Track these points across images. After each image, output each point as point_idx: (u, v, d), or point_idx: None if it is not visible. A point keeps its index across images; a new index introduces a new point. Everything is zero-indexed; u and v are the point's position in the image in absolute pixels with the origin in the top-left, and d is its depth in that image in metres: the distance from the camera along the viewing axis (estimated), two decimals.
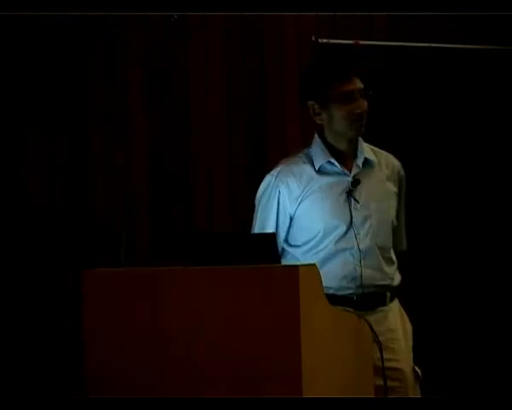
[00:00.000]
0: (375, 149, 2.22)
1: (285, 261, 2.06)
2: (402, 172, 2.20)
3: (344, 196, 2.02)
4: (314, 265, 1.76)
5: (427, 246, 3.55)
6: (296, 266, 1.77)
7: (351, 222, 2.01)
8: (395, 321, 2.15)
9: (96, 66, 3.37)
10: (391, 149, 2.28)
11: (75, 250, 3.27)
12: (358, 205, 2.03)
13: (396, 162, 2.20)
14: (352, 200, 2.02)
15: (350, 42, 3.57)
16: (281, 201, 2.06)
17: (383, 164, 2.14)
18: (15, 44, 3.24)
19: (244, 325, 1.86)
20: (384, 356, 1.95)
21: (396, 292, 2.17)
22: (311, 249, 2.05)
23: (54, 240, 3.27)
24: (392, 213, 2.10)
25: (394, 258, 2.16)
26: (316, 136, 2.19)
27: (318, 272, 1.73)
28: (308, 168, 2.06)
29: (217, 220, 3.49)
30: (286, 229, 2.07)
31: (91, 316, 2.02)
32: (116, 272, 2.03)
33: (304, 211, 2.05)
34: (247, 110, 3.57)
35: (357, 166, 2.11)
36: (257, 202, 2.12)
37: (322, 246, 2.05)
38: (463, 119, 3.66)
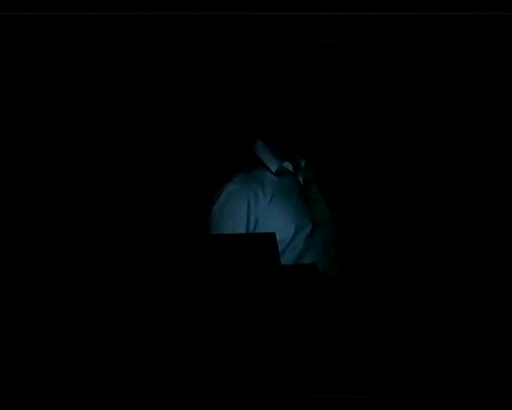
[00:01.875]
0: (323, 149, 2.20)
1: None
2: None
3: (301, 196, 2.02)
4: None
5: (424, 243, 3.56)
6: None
7: (312, 220, 2.02)
8: None
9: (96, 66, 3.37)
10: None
11: (75, 249, 3.27)
12: (314, 202, 2.05)
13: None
14: (309, 198, 2.03)
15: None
16: (250, 206, 2.05)
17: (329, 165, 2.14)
18: (15, 44, 3.24)
19: None
20: None
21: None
22: (284, 250, 2.05)
23: (54, 240, 3.27)
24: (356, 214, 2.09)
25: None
26: (258, 141, 2.14)
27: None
28: (264, 172, 2.06)
29: None
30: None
31: None
32: None
33: (270, 214, 2.06)
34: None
35: (301, 166, 2.11)
36: (222, 210, 2.09)
37: (291, 247, 2.06)
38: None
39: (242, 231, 2.07)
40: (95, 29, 3.33)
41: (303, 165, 2.10)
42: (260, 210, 2.05)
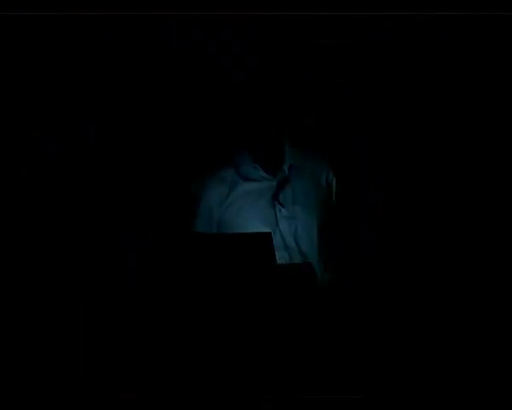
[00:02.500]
0: (308, 152, 2.18)
1: None
2: (331, 177, 2.13)
3: (269, 201, 1.97)
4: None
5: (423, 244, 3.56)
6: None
7: (276, 226, 1.97)
8: None
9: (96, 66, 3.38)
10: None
11: (75, 250, 3.27)
12: (283, 210, 2.01)
13: (326, 167, 2.14)
14: (277, 204, 1.98)
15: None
16: (208, 206, 2.02)
17: (312, 168, 2.09)
18: (15, 44, 3.24)
19: None
20: None
21: None
22: None
23: (53, 240, 3.28)
24: (320, 217, 2.01)
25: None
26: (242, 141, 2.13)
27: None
28: (233, 173, 2.04)
29: None
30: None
31: None
32: None
33: (229, 216, 2.04)
34: None
35: (283, 170, 2.07)
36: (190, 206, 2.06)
37: None
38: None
39: (201, 221, 2.00)
40: (95, 29, 3.33)
41: (284, 169, 2.06)
42: (218, 208, 2.03)
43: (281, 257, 1.96)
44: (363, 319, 3.05)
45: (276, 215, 2.00)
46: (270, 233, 1.77)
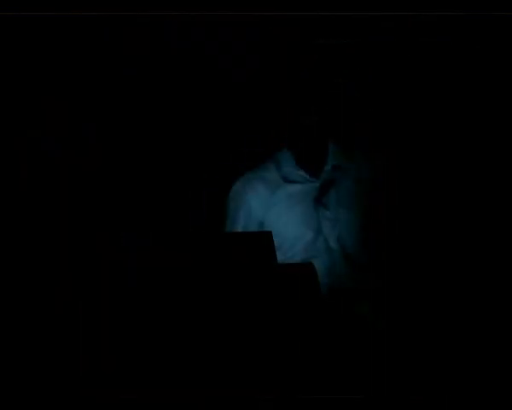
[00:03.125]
0: (355, 151, 2.15)
1: None
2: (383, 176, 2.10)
3: (312, 203, 1.95)
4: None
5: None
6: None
7: (319, 230, 1.93)
8: None
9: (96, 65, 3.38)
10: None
11: (75, 250, 3.27)
12: (327, 212, 1.97)
13: (376, 166, 2.11)
14: (321, 207, 1.94)
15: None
16: (251, 208, 2.00)
17: (358, 168, 2.06)
18: (15, 44, 3.24)
19: None
20: None
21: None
22: (280, 256, 1.93)
23: (54, 240, 3.28)
24: (364, 219, 1.98)
25: (369, 265, 2.05)
26: (284, 148, 2.14)
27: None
28: (276, 175, 2.01)
29: None
30: None
31: None
32: None
33: (272, 219, 1.99)
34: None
35: (327, 171, 2.04)
36: (227, 205, 2.07)
37: (289, 254, 1.97)
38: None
39: (240, 224, 2.02)
40: (95, 29, 3.33)
41: (324, 172, 2.02)
42: (259, 210, 1.99)
43: (323, 261, 1.92)
44: (363, 319, 3.05)
45: (319, 218, 1.95)
46: (270, 232, 1.73)
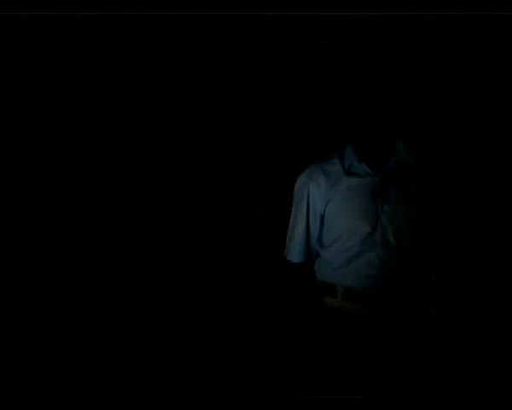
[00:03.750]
0: (419, 147, 2.17)
1: (317, 264, 2.03)
2: (441, 173, 2.16)
3: (371, 197, 1.97)
4: None
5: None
6: None
7: (377, 223, 1.97)
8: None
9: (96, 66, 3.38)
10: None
11: (75, 250, 3.27)
12: (386, 206, 1.99)
13: (435, 162, 2.16)
14: (380, 201, 1.98)
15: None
16: (311, 200, 2.04)
17: (420, 165, 2.09)
18: (15, 44, 3.24)
19: None
20: None
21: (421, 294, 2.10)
22: (338, 249, 2.01)
23: (54, 240, 3.28)
24: (421, 215, 2.03)
25: (423, 261, 2.09)
26: (348, 142, 2.16)
27: None
28: (339, 168, 2.04)
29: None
30: (317, 228, 2.03)
31: None
32: None
33: (332, 211, 2.01)
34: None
35: (388, 166, 2.05)
36: (293, 200, 2.09)
37: (347, 246, 2.00)
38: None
39: (303, 221, 2.05)
40: (95, 29, 3.33)
41: (386, 168, 2.05)
42: (320, 202, 2.04)
43: (380, 253, 1.97)
44: (363, 320, 3.05)
45: (377, 212, 1.97)
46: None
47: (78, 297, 2.39)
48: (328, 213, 2.01)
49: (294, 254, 1.98)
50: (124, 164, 3.43)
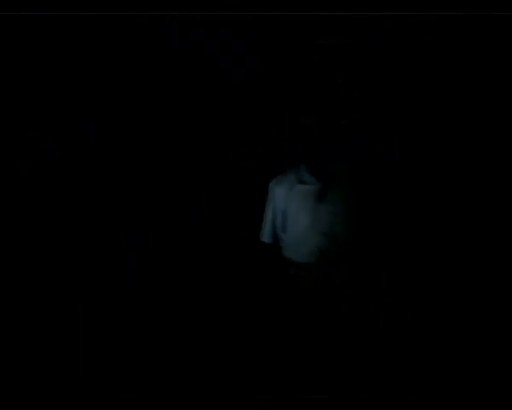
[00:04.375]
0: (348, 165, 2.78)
1: (282, 244, 2.66)
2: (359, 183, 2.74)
3: (314, 199, 2.64)
4: None
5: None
6: None
7: (317, 218, 2.61)
8: None
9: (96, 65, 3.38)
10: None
11: (75, 250, 3.27)
12: (324, 206, 2.64)
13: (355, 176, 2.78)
14: (320, 202, 2.63)
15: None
16: (276, 199, 2.72)
17: (350, 177, 2.73)
18: (15, 44, 3.24)
19: None
20: None
21: None
22: (291, 235, 2.65)
23: (54, 240, 3.28)
24: (351, 212, 2.65)
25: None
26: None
27: None
28: (294, 178, 2.70)
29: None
30: (280, 219, 2.70)
31: None
32: None
33: (288, 208, 2.67)
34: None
35: (328, 178, 2.69)
36: (267, 198, 2.71)
37: (296, 233, 2.65)
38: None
39: (271, 216, 2.73)
40: (95, 29, 3.34)
41: (327, 175, 2.67)
42: (281, 201, 2.70)
43: (322, 242, 2.60)
44: (363, 319, 3.05)
45: (318, 210, 2.60)
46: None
47: (78, 297, 2.39)
48: (286, 209, 2.65)
49: (265, 236, 2.65)
50: (124, 164, 3.43)
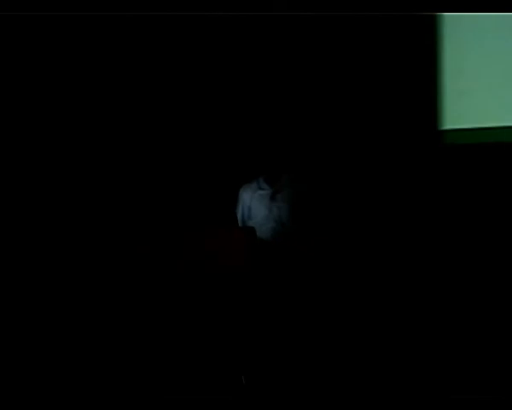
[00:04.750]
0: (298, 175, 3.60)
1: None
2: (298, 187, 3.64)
3: (269, 199, 3.53)
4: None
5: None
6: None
7: (271, 211, 3.53)
8: None
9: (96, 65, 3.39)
10: None
11: (75, 249, 3.28)
12: (275, 204, 3.52)
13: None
14: (273, 201, 3.53)
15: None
16: (244, 200, 3.58)
17: (292, 184, 3.60)
18: (15, 44, 3.25)
19: None
20: None
21: None
22: (255, 221, 3.52)
23: (54, 240, 3.29)
24: (293, 207, 3.57)
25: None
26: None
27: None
28: (255, 185, 3.56)
29: None
30: (247, 213, 3.56)
31: None
32: None
33: (251, 204, 3.57)
34: None
35: (278, 185, 3.54)
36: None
37: (256, 221, 3.54)
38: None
39: (240, 207, 3.57)
40: (95, 29, 3.34)
41: (277, 183, 3.48)
42: (247, 201, 3.58)
43: (273, 227, 3.52)
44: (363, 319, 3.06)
45: (271, 206, 3.51)
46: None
47: (78, 297, 2.39)
48: (250, 205, 3.55)
49: (239, 223, 3.49)
50: (124, 164, 3.44)
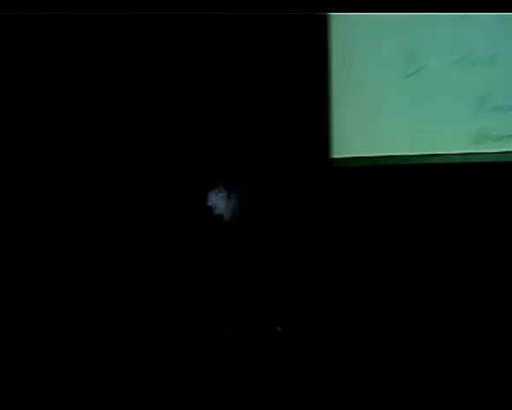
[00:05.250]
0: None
1: None
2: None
3: (226, 198, 3.71)
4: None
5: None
6: None
7: (228, 209, 3.65)
8: None
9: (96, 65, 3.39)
10: None
11: (75, 249, 3.28)
12: (229, 200, 3.65)
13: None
14: (227, 199, 3.71)
15: None
16: (213, 200, 3.69)
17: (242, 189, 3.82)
18: (15, 44, 3.25)
19: None
20: None
21: None
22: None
23: (54, 240, 3.28)
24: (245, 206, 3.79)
25: None
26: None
27: None
28: (218, 190, 3.75)
29: None
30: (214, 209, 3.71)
31: None
32: None
33: (216, 204, 3.65)
34: None
35: (232, 189, 3.72)
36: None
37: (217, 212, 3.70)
38: None
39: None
40: (95, 29, 3.34)
41: (231, 190, 3.64)
42: (213, 203, 3.68)
43: (227, 216, 3.66)
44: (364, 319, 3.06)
45: (226, 202, 3.63)
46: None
47: (78, 297, 2.39)
48: (215, 204, 3.66)
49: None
50: (123, 164, 3.44)
